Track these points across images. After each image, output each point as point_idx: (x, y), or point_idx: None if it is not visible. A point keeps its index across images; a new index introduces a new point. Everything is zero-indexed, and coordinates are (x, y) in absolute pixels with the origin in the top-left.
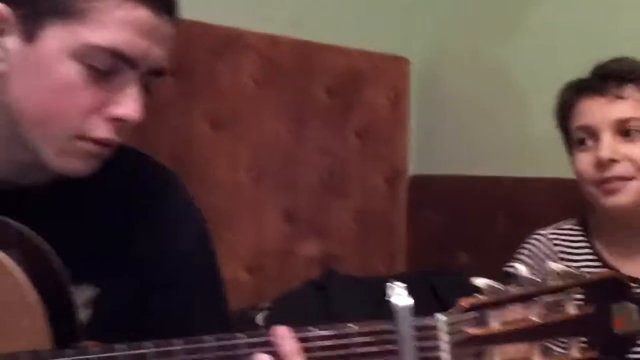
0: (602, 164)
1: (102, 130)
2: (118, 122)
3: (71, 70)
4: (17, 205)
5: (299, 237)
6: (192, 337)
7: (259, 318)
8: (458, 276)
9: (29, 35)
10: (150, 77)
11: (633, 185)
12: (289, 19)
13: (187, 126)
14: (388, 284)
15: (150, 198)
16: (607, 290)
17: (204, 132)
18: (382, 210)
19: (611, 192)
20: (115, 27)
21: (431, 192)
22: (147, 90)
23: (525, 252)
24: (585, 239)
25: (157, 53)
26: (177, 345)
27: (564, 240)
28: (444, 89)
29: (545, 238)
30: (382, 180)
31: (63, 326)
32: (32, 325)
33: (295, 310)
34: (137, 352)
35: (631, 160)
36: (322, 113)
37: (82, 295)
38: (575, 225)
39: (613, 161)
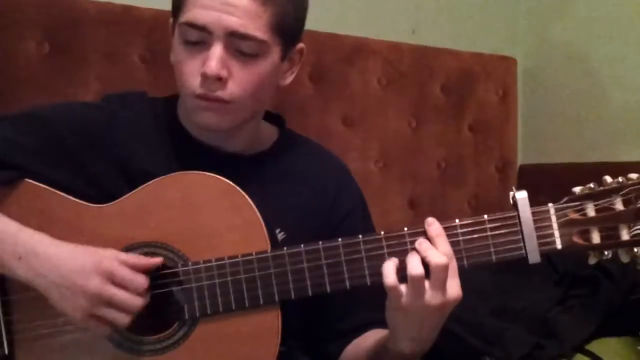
0: None
1: (200, 88)
2: (205, 78)
3: (180, 48)
4: (228, 167)
5: (420, 221)
6: (369, 233)
7: None
8: None
9: (172, 32)
10: (235, 40)
11: None
12: (408, 27)
13: (323, 123)
14: (511, 191)
15: (320, 172)
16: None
17: (337, 128)
18: (494, 196)
19: None
20: (191, 8)
21: (538, 179)
22: (241, 53)
23: None
24: None
25: (226, 21)
26: (359, 239)
27: None
28: (547, 83)
29: None
30: (493, 169)
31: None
32: (258, 238)
33: None
34: (351, 241)
35: None
36: (438, 110)
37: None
38: None
39: None
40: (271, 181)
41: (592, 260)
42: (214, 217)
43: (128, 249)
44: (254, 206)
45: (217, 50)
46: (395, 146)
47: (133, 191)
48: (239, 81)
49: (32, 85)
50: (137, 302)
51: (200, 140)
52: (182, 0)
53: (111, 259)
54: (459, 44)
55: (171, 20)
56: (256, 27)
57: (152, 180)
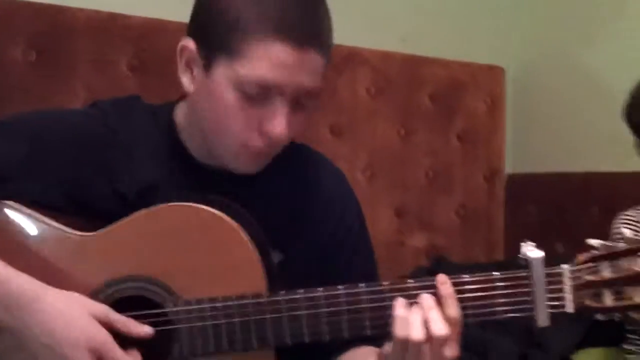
0: None
1: (257, 142)
2: (268, 136)
3: (232, 97)
4: (230, 189)
5: (408, 230)
6: (373, 283)
7: None
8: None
9: (207, 67)
10: (301, 98)
11: None
12: (397, 36)
13: (310, 132)
14: (522, 243)
15: (322, 184)
16: None
17: (325, 137)
18: (482, 205)
19: None
20: (258, 62)
21: (526, 188)
22: (301, 108)
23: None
24: None
25: (300, 80)
26: (363, 289)
27: None
28: (536, 93)
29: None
30: (481, 179)
31: (270, 280)
32: (253, 275)
33: None
34: (353, 290)
35: None
36: (427, 119)
37: (274, 260)
38: None
39: None
40: (274, 198)
41: (601, 318)
42: (207, 252)
43: (112, 282)
44: (249, 243)
45: (285, 110)
46: (384, 155)
47: (122, 219)
48: (292, 129)
49: (19, 94)
50: None
51: (200, 161)
52: (238, 41)
53: (104, 334)
54: (449, 53)
55: (193, 45)
56: (320, 79)
57: (144, 210)
